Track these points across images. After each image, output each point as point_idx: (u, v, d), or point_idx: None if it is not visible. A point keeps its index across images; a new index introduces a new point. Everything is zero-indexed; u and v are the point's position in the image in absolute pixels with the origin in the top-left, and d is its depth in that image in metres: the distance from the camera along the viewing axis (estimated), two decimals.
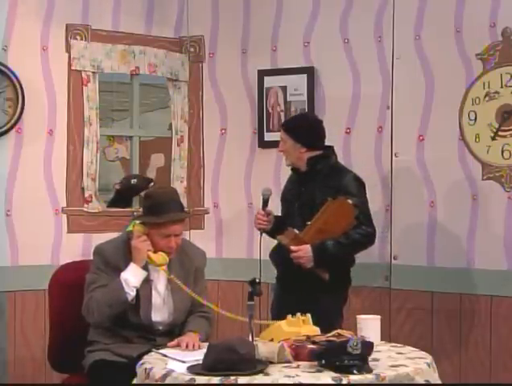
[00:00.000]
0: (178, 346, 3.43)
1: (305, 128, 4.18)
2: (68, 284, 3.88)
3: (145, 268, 3.61)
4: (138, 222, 3.67)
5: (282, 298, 4.11)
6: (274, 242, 4.16)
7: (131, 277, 3.55)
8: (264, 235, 4.20)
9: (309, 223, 3.92)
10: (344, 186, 4.01)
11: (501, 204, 4.48)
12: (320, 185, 4.03)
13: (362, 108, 4.89)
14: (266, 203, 4.13)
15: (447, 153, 4.62)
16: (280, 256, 4.08)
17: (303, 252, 3.91)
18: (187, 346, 3.39)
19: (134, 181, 5.16)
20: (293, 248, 3.91)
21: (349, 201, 3.90)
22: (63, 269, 4.05)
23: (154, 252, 3.60)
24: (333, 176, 4.07)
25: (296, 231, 3.95)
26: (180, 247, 3.69)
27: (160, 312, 3.66)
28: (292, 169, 4.23)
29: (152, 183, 5.13)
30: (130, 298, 3.54)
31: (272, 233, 4.16)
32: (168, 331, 3.66)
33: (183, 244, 3.73)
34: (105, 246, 3.71)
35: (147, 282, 3.63)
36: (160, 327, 3.65)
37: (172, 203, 3.66)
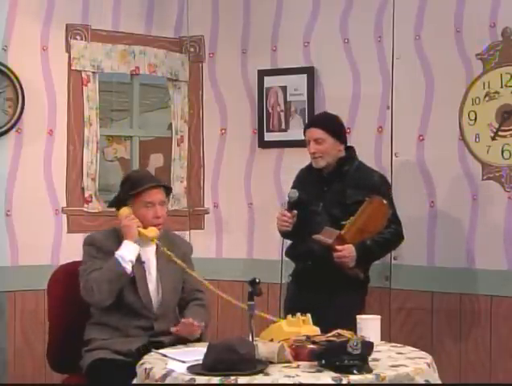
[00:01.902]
0: (180, 331, 3.55)
1: (341, 125, 4.21)
2: (67, 284, 3.88)
3: None
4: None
5: (299, 296, 4.09)
6: (283, 240, 4.18)
7: (126, 252, 3.64)
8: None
9: (345, 222, 3.91)
10: (376, 186, 4.05)
11: (501, 204, 4.48)
12: (350, 185, 4.04)
13: (362, 108, 4.89)
14: (292, 205, 4.07)
15: (447, 153, 4.62)
16: (302, 251, 4.09)
17: (348, 252, 3.91)
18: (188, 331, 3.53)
19: None
20: (339, 247, 3.90)
21: (384, 201, 3.93)
22: (61, 269, 4.04)
23: (144, 227, 3.70)
24: (363, 176, 4.09)
25: (336, 230, 3.94)
26: (166, 235, 3.82)
27: (155, 292, 3.73)
28: (311, 169, 4.19)
29: None
30: (128, 272, 3.61)
31: (291, 234, 4.12)
32: (163, 315, 3.72)
33: (169, 234, 3.87)
34: (95, 235, 3.82)
35: (140, 264, 3.71)
36: (156, 308, 3.70)
37: (149, 176, 3.85)
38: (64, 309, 3.88)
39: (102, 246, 3.71)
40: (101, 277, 3.59)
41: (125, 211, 3.73)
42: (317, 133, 4.11)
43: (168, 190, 3.88)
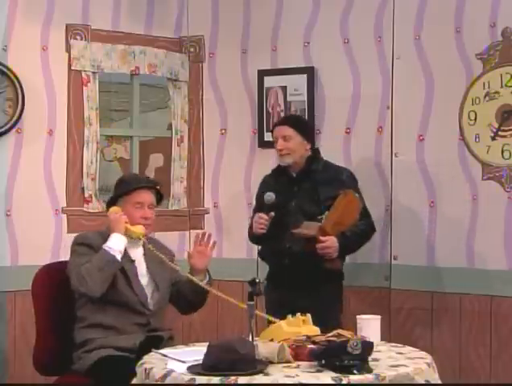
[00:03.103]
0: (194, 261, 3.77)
1: (309, 125, 4.38)
2: (52, 283, 3.87)
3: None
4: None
5: (278, 298, 4.14)
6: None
7: (114, 242, 3.68)
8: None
9: (322, 216, 4.02)
10: (345, 181, 4.19)
11: (501, 204, 4.47)
12: (320, 182, 4.16)
13: (362, 108, 4.89)
14: (269, 207, 4.14)
15: (447, 152, 4.62)
16: (277, 250, 4.17)
17: (331, 242, 4.02)
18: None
19: None
20: (322, 238, 3.99)
21: (356, 195, 4.05)
22: (45, 269, 3.98)
23: (132, 225, 3.76)
24: (332, 173, 4.23)
25: (316, 223, 4.03)
26: (151, 241, 3.85)
27: (149, 289, 3.77)
28: (278, 170, 4.31)
29: None
30: (118, 258, 3.65)
31: (264, 236, 4.18)
32: (158, 312, 3.76)
33: (154, 240, 3.90)
34: (86, 234, 3.88)
35: (131, 263, 3.75)
36: (152, 305, 3.74)
37: (142, 178, 3.97)
38: (50, 308, 3.85)
39: (93, 244, 3.74)
40: (92, 267, 3.61)
41: (114, 209, 3.81)
42: (285, 130, 4.22)
43: (159, 194, 3.91)
